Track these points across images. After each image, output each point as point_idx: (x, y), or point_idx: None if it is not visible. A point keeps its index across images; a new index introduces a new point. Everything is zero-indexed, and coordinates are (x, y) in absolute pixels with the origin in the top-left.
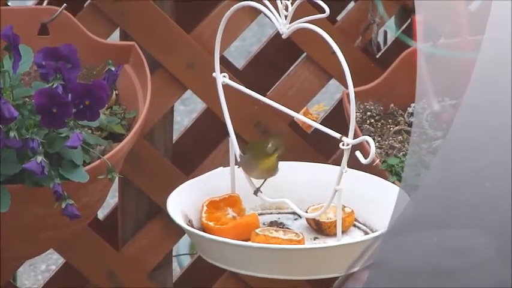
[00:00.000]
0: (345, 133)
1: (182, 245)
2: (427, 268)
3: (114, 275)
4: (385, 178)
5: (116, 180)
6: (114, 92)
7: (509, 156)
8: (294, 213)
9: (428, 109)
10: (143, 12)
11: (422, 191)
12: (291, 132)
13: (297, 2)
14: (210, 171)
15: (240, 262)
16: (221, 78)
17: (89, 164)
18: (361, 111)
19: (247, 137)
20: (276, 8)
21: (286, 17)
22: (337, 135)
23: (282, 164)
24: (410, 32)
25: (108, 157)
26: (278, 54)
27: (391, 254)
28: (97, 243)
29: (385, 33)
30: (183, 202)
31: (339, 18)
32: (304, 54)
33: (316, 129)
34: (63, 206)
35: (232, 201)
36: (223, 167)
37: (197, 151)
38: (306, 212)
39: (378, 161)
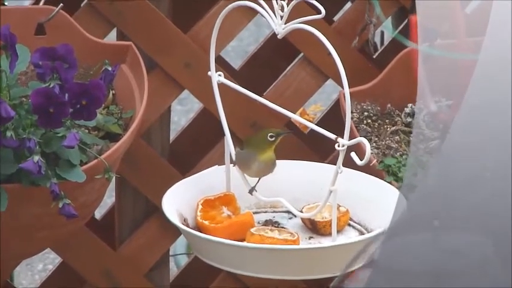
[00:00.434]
0: (342, 133)
1: (179, 245)
2: (426, 269)
3: (111, 275)
4: (382, 178)
5: (113, 180)
6: (111, 92)
7: (508, 157)
8: (289, 212)
9: (425, 109)
10: (140, 12)
11: (420, 192)
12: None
13: (292, 2)
14: (205, 170)
15: (235, 262)
16: (216, 77)
17: (86, 163)
18: (358, 111)
19: (243, 137)
20: (272, 8)
21: (281, 17)
22: (332, 136)
23: (277, 163)
24: (407, 32)
25: (105, 157)
26: (275, 55)
27: (389, 255)
28: (94, 242)
29: (382, 33)
30: (178, 201)
31: (335, 18)
32: (301, 54)
33: (313, 130)
34: (60, 205)
35: (227, 200)
36: (218, 165)
37: (194, 151)
38: (301, 211)
39: (374, 161)
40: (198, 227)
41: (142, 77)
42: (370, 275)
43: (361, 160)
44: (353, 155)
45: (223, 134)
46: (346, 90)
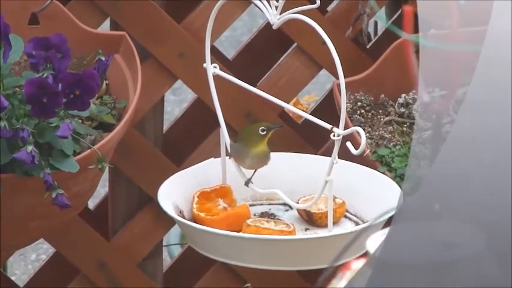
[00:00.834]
0: (336, 123)
1: (173, 235)
2: (418, 261)
3: (104, 265)
4: (375, 168)
5: (106, 170)
6: (104, 82)
7: (503, 152)
8: (285, 204)
9: (419, 100)
10: (133, 2)
11: (413, 184)
12: (281, 122)
13: None
14: (201, 162)
15: (231, 253)
16: (212, 68)
17: (79, 153)
18: (351, 101)
19: (238, 127)
20: None
21: (276, 7)
22: (327, 125)
23: (272, 155)
24: (400, 22)
25: (98, 147)
26: (268, 45)
27: (381, 247)
28: (87, 232)
29: (376, 23)
30: (174, 193)
31: (329, 8)
32: (295, 44)
33: (306, 120)
34: (54, 195)
35: (223, 192)
36: (214, 157)
37: (187, 141)
38: (297, 203)
39: (368, 151)
40: (194, 219)
41: (136, 67)
42: (362, 267)
43: (356, 150)
44: (349, 144)
45: (218, 125)
46: (342, 79)
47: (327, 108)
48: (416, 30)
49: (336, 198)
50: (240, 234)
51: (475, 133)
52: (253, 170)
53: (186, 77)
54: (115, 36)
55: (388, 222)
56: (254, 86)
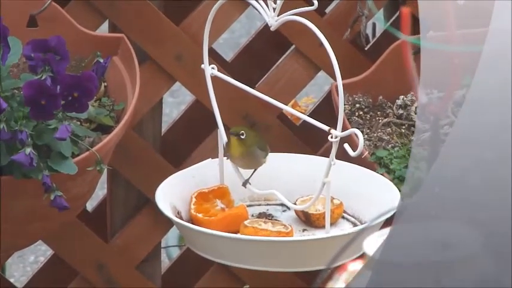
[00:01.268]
0: (334, 125)
1: (171, 237)
2: (415, 261)
3: (102, 266)
4: (374, 170)
5: (105, 172)
6: (102, 84)
7: (500, 151)
8: (282, 204)
9: (417, 101)
10: (132, 4)
11: (410, 184)
12: (279, 124)
13: None
14: (199, 163)
15: (228, 254)
16: (210, 69)
17: (78, 155)
18: (349, 103)
19: None
20: (265, 0)
21: (274, 9)
22: (325, 127)
23: (270, 156)
24: (399, 24)
25: (96, 149)
26: (267, 47)
27: (380, 248)
28: (86, 234)
29: (374, 25)
30: (172, 194)
31: (327, 10)
32: (293, 46)
33: (304, 122)
34: (52, 197)
35: (221, 192)
36: (212, 158)
37: (186, 143)
38: (295, 203)
39: (366, 153)
40: (192, 220)
41: (134, 69)
42: (360, 269)
43: (354, 151)
44: (346, 146)
45: (216, 126)
46: (339, 81)
47: (325, 110)
48: (414, 31)
49: (333, 199)
50: (238, 235)
51: (474, 133)
52: (252, 171)
53: (185, 79)
54: (113, 38)
55: (385, 224)
56: (252, 87)
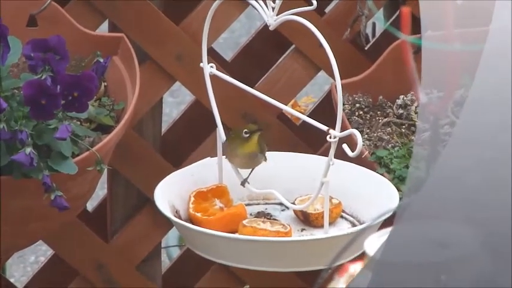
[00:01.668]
0: (334, 125)
1: (171, 237)
2: (414, 261)
3: (103, 266)
4: (374, 170)
5: (105, 171)
6: (102, 84)
7: (499, 150)
8: (281, 204)
9: (417, 101)
10: (132, 3)
11: (409, 184)
12: (279, 124)
13: None
14: (198, 162)
15: (227, 254)
16: (208, 68)
17: (78, 155)
18: (349, 103)
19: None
20: (264, 0)
21: (273, 9)
22: (324, 127)
23: (269, 155)
24: (398, 24)
25: (97, 149)
26: (267, 46)
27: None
28: (86, 234)
29: (374, 25)
30: (171, 193)
31: (327, 10)
32: (293, 46)
33: (304, 122)
34: (52, 197)
35: (219, 192)
36: (211, 157)
37: (186, 143)
38: (293, 203)
39: (366, 153)
40: (191, 219)
41: (134, 68)
42: (361, 270)
43: (352, 152)
44: (345, 146)
45: (215, 126)
46: (338, 81)
47: (325, 109)
48: (414, 31)
49: (332, 198)
50: (236, 235)
51: (475, 133)
52: (250, 170)
53: (184, 79)
54: (113, 38)
55: (385, 223)
56: (252, 87)
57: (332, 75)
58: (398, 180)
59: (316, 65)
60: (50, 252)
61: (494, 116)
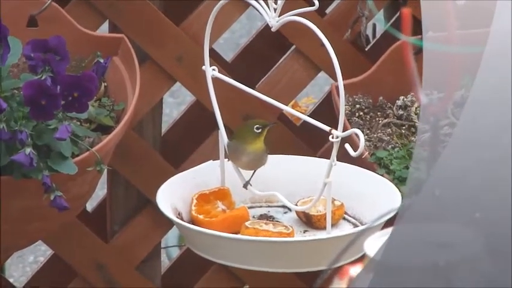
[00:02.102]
0: (334, 126)
1: (171, 237)
2: (415, 263)
3: (102, 267)
4: (374, 171)
5: (105, 172)
6: (102, 84)
7: (500, 151)
8: (283, 206)
9: (417, 102)
10: (132, 4)
11: (410, 185)
12: (280, 124)
13: None
14: (200, 165)
15: (229, 255)
16: (211, 71)
17: (78, 156)
18: (350, 103)
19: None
20: (265, 0)
21: (275, 9)
22: (326, 128)
23: (271, 157)
24: (399, 25)
25: (96, 149)
26: (267, 47)
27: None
28: (85, 235)
29: (374, 26)
30: (173, 195)
31: (327, 11)
32: (293, 46)
33: (305, 122)
34: (52, 197)
35: (222, 194)
36: (213, 160)
37: (186, 143)
38: (296, 205)
39: (366, 153)
40: (193, 221)
41: (135, 69)
42: (361, 271)
43: (354, 152)
44: (347, 146)
45: (216, 127)
46: (340, 81)
47: (326, 110)
48: (414, 32)
49: (334, 200)
50: (238, 236)
51: (475, 134)
52: (252, 172)
53: (185, 80)
54: (114, 38)
55: (386, 224)
56: (253, 88)
57: (332, 76)
58: (398, 181)
59: (317, 66)
60: (49, 252)
61: (494, 117)
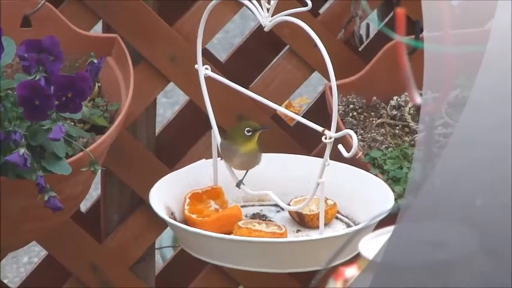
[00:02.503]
0: (328, 126)
1: (165, 238)
2: (411, 262)
3: (96, 268)
4: (368, 171)
5: (99, 172)
6: (96, 85)
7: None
8: (276, 205)
9: (411, 102)
10: (126, 4)
11: (410, 185)
12: (273, 125)
13: None
14: (193, 164)
15: (222, 255)
16: (203, 70)
17: (72, 156)
18: (343, 104)
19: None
20: (259, 0)
21: (268, 10)
22: (319, 128)
23: (264, 156)
24: (393, 25)
25: (90, 149)
26: (261, 47)
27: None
28: (80, 235)
29: (368, 26)
30: (166, 195)
31: (321, 11)
32: (287, 47)
33: (298, 122)
34: (46, 198)
35: (214, 193)
36: (206, 159)
37: (180, 143)
38: (289, 204)
39: (360, 153)
40: (186, 221)
41: (128, 69)
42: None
43: (348, 152)
44: (340, 147)
45: (210, 127)
46: (333, 81)
47: (319, 110)
48: (408, 32)
49: (327, 199)
50: (232, 236)
51: (474, 134)
52: (245, 171)
53: (178, 80)
54: (107, 38)
55: (379, 224)
56: (246, 88)
57: (326, 76)
58: (392, 181)
59: (310, 66)
60: (43, 253)
61: (492, 117)
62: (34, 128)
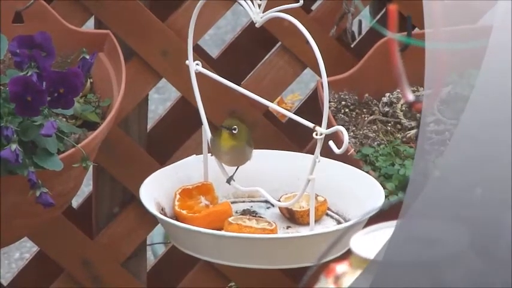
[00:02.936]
0: (319, 122)
1: (156, 234)
2: (401, 259)
3: (88, 263)
4: (359, 168)
5: (90, 168)
6: (88, 80)
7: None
8: (266, 201)
9: (403, 99)
10: (118, 0)
11: (397, 181)
12: (265, 121)
13: None
14: (183, 159)
15: (212, 251)
16: (194, 66)
17: (64, 152)
18: (335, 100)
19: None
20: None
21: (259, 5)
22: (310, 124)
23: (254, 152)
24: (385, 21)
25: (82, 145)
26: (253, 43)
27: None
28: (71, 231)
29: (360, 22)
30: (156, 190)
31: (313, 7)
32: (279, 43)
33: (290, 119)
34: (38, 194)
35: (205, 189)
36: (196, 154)
37: (172, 140)
38: (279, 200)
39: (352, 150)
40: (176, 217)
41: (120, 65)
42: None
43: (339, 149)
44: (331, 143)
45: (201, 123)
46: (324, 78)
47: (311, 107)
48: (400, 29)
49: (317, 196)
50: (222, 232)
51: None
52: (235, 168)
53: (170, 76)
54: (99, 34)
55: (370, 221)
56: (238, 84)
57: (318, 73)
58: (384, 178)
59: (302, 63)
60: (35, 248)
61: (491, 115)
62: (26, 123)
